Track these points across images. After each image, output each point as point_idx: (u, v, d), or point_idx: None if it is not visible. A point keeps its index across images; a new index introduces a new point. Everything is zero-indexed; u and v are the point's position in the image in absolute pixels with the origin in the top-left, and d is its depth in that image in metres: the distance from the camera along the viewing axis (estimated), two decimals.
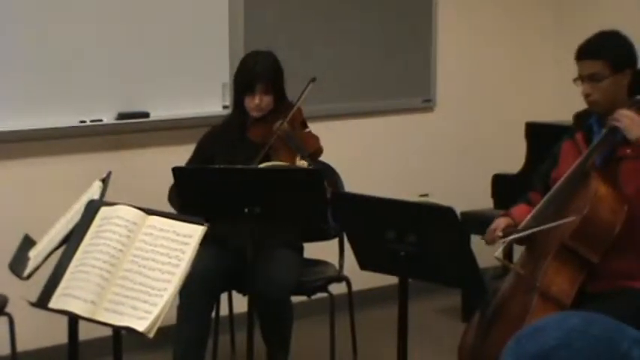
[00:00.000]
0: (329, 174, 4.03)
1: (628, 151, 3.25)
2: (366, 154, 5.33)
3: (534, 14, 5.87)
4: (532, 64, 5.89)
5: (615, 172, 3.27)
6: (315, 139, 3.98)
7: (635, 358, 1.05)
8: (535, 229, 3.24)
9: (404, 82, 5.43)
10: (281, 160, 3.86)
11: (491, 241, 3.33)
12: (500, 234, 3.30)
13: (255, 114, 3.95)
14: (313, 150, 3.91)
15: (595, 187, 3.22)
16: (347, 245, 3.36)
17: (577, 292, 3.22)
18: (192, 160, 4.02)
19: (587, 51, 3.34)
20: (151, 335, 2.38)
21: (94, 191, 2.95)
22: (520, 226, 3.32)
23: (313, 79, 4.00)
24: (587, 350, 1.04)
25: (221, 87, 4.75)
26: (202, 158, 3.99)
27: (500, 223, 3.38)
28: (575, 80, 3.35)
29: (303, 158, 3.81)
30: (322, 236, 4.25)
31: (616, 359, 1.04)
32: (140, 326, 2.38)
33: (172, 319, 3.70)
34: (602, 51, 3.32)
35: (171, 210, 3.66)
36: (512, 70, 5.84)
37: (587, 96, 3.33)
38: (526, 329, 1.09)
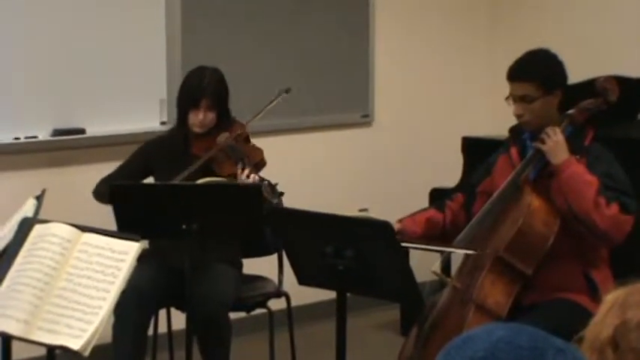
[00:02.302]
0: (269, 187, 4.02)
1: None
2: (305, 169, 5.34)
3: (470, 31, 5.94)
4: (468, 79, 5.96)
5: (548, 186, 3.32)
6: (259, 151, 3.99)
7: None
8: (419, 246, 3.36)
9: (342, 97, 5.45)
10: (224, 171, 3.86)
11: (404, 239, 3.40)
12: None
13: (198, 130, 3.94)
14: (256, 162, 3.90)
15: (528, 200, 3.27)
16: (286, 261, 3.37)
17: (512, 304, 3.27)
18: (121, 171, 3.98)
19: (518, 72, 3.38)
20: (86, 354, 2.36)
21: (27, 209, 2.92)
22: (456, 240, 3.38)
23: (286, 90, 4.02)
24: None
25: (159, 103, 4.73)
26: (136, 171, 3.95)
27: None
28: (507, 99, 3.40)
29: (245, 168, 3.79)
30: (261, 252, 4.24)
31: None
32: (75, 345, 2.36)
33: (109, 337, 3.66)
34: (533, 73, 3.36)
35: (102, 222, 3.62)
36: (449, 85, 5.90)
37: (519, 117, 3.39)
38: (455, 341, 1.11)
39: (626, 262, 3.40)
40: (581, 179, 3.21)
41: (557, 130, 3.30)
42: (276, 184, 3.73)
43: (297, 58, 5.23)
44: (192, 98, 3.90)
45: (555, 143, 3.27)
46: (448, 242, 3.43)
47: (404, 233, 3.43)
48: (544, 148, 3.28)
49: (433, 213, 3.57)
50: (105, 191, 3.82)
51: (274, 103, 4.00)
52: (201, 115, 3.89)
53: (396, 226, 3.43)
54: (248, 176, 3.74)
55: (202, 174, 3.82)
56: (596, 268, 3.36)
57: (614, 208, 3.19)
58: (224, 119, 3.96)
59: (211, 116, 3.91)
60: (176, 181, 3.75)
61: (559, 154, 3.26)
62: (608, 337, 1.35)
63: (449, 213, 3.55)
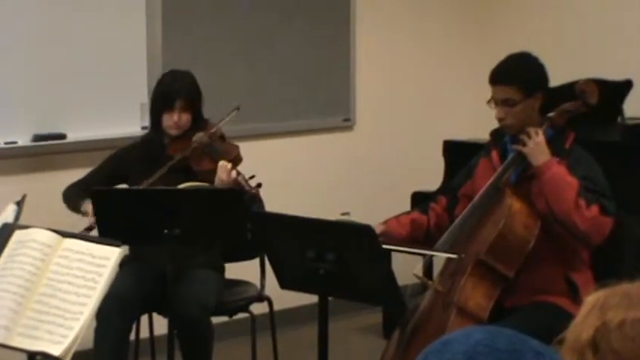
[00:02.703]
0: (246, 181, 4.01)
1: None
2: (287, 173, 5.33)
3: (452, 35, 5.96)
4: (449, 82, 5.97)
5: (529, 189, 3.34)
6: (236, 147, 4.00)
7: None
8: (402, 249, 3.36)
9: (323, 101, 5.45)
10: (202, 167, 3.86)
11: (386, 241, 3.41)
12: None
13: (173, 132, 3.94)
14: (233, 157, 3.91)
15: (509, 203, 3.28)
16: (268, 265, 3.37)
17: (494, 307, 3.27)
18: (93, 176, 3.96)
19: (500, 76, 3.40)
20: None
21: (7, 214, 2.90)
22: (437, 243, 3.39)
23: (237, 108, 4.02)
24: None
25: (139, 107, 4.71)
26: (108, 177, 3.93)
27: (376, 228, 3.45)
28: (488, 102, 3.42)
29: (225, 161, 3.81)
30: (243, 256, 4.24)
31: None
32: (56, 351, 2.35)
33: (90, 343, 3.65)
34: (514, 76, 3.38)
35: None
36: (430, 89, 5.91)
37: (500, 120, 3.40)
38: (433, 345, 1.11)
39: (607, 265, 3.42)
40: (562, 181, 3.23)
41: (539, 131, 3.32)
42: (253, 176, 3.74)
43: (278, 63, 5.23)
44: (166, 100, 3.91)
45: (536, 145, 3.28)
46: (431, 245, 3.44)
47: (388, 235, 3.43)
48: (525, 150, 3.30)
49: (417, 215, 3.58)
50: (73, 196, 3.83)
51: (226, 120, 4.00)
52: (175, 117, 3.89)
53: (380, 228, 3.44)
54: (229, 168, 3.74)
55: (181, 174, 3.81)
56: (577, 270, 3.38)
57: (594, 210, 3.20)
58: (198, 121, 3.96)
59: (186, 118, 3.92)
60: (153, 181, 3.74)
61: (540, 156, 3.27)
62: (588, 338, 1.36)
63: (433, 215, 3.56)
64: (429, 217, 3.56)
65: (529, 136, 3.29)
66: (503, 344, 1.08)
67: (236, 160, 3.92)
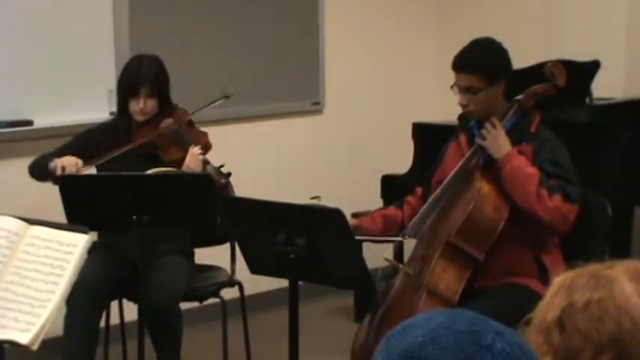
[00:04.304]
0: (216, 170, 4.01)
1: None
2: (256, 157, 5.32)
3: (420, 18, 5.96)
4: (419, 65, 5.97)
5: (497, 172, 3.35)
6: (205, 134, 3.98)
7: (498, 349, 1.07)
8: (368, 238, 3.43)
9: (293, 85, 5.44)
10: (170, 157, 3.85)
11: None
12: None
13: (139, 118, 3.91)
14: (202, 144, 3.89)
15: (478, 185, 3.29)
16: (239, 250, 3.36)
17: (464, 288, 3.29)
18: (64, 151, 3.89)
19: (463, 64, 3.39)
20: (35, 347, 2.33)
21: None
22: (406, 229, 3.40)
23: (227, 96, 4.00)
24: (453, 344, 1.07)
25: (107, 93, 4.67)
26: (78, 154, 3.87)
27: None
28: (452, 87, 3.42)
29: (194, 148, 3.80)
30: (213, 241, 4.22)
31: (480, 351, 1.07)
32: (23, 339, 2.33)
33: (59, 331, 3.63)
34: (476, 65, 3.37)
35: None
36: (399, 71, 5.91)
37: (463, 106, 3.41)
38: (396, 329, 1.12)
39: (577, 245, 3.44)
40: (522, 173, 3.24)
41: (497, 123, 3.33)
42: (222, 166, 3.73)
43: (246, 46, 5.21)
44: (131, 87, 3.88)
45: (494, 138, 3.30)
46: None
47: (360, 229, 3.43)
48: (484, 144, 3.32)
49: (391, 210, 3.58)
50: (39, 165, 3.78)
51: (215, 104, 3.99)
52: (141, 104, 3.87)
53: (352, 222, 3.44)
54: (199, 154, 3.73)
55: (148, 161, 3.79)
56: (548, 252, 3.40)
57: (556, 200, 3.22)
58: (165, 106, 3.94)
59: (152, 104, 3.89)
60: (111, 159, 3.71)
61: (499, 148, 3.29)
62: (554, 318, 1.37)
63: (407, 208, 3.56)
64: (404, 210, 3.56)
65: (487, 130, 3.31)
66: (464, 325, 1.09)
67: (205, 148, 3.90)
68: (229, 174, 3.74)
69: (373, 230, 3.48)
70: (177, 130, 3.89)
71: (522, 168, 3.25)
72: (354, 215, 4.17)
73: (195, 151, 3.79)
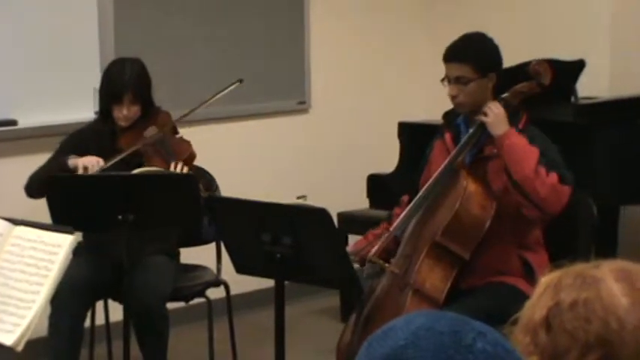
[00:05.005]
0: (204, 178, 4.01)
1: (495, 150, 3.35)
2: (242, 157, 5.31)
3: (407, 16, 5.95)
4: (405, 65, 5.97)
5: (484, 170, 3.35)
6: (187, 144, 3.96)
7: (479, 349, 1.07)
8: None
9: (278, 84, 5.43)
10: (155, 166, 3.83)
11: (360, 261, 3.39)
12: (356, 259, 3.37)
13: (123, 124, 3.89)
14: (186, 155, 3.88)
15: (464, 184, 3.29)
16: (224, 249, 3.35)
17: (450, 288, 3.29)
18: (52, 164, 3.89)
19: (454, 54, 3.41)
20: (19, 349, 2.32)
21: None
22: (392, 228, 3.39)
23: (240, 80, 4.02)
24: (434, 346, 1.06)
25: (92, 92, 4.63)
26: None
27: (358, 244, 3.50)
28: (442, 80, 3.42)
29: (176, 165, 3.79)
30: (199, 241, 4.21)
31: (461, 352, 1.06)
32: (7, 340, 2.32)
33: (44, 331, 3.61)
34: (468, 55, 3.39)
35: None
36: (385, 71, 5.91)
37: (453, 97, 3.41)
38: (376, 333, 1.11)
39: (562, 244, 3.45)
40: (523, 148, 3.25)
41: (498, 104, 3.34)
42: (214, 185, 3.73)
43: (231, 45, 5.20)
44: (114, 94, 3.84)
45: (496, 115, 3.30)
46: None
47: (359, 254, 3.41)
48: (487, 120, 3.31)
49: (384, 227, 3.54)
50: (35, 185, 3.76)
51: (227, 90, 4.01)
52: (125, 111, 3.84)
53: (349, 249, 3.44)
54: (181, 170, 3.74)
55: (132, 166, 3.77)
56: (533, 251, 3.40)
57: (553, 177, 3.23)
58: (148, 110, 3.92)
59: (135, 109, 3.87)
60: (106, 168, 3.70)
61: (500, 126, 3.29)
62: (541, 318, 1.36)
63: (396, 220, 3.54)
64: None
65: (489, 108, 3.31)
66: (445, 327, 1.08)
67: (189, 159, 3.89)
68: (216, 188, 3.74)
69: (370, 250, 3.47)
70: (161, 140, 3.87)
71: (523, 144, 3.26)
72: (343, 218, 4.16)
73: (177, 169, 3.77)
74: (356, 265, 3.27)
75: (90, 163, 3.68)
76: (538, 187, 3.20)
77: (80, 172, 3.66)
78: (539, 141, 3.34)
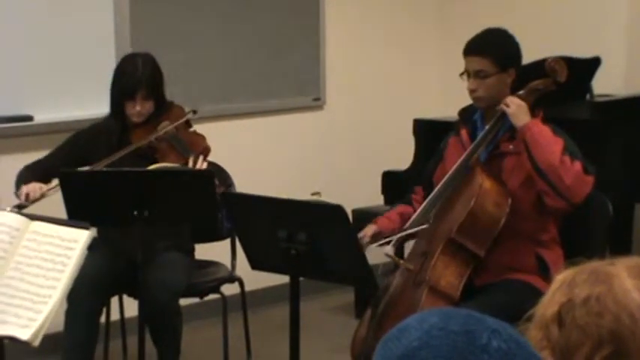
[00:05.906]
0: (220, 174, 4.02)
1: (510, 146, 3.35)
2: (257, 153, 5.32)
3: (421, 13, 5.95)
4: (420, 61, 5.97)
5: (499, 168, 3.35)
6: (202, 138, 3.96)
7: (494, 348, 1.06)
8: (398, 235, 3.35)
9: (293, 81, 5.44)
10: (170, 162, 3.83)
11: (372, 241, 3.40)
12: (368, 240, 3.38)
13: (136, 119, 3.89)
14: (201, 150, 3.88)
15: (480, 181, 3.29)
16: (239, 245, 3.36)
17: (465, 285, 3.28)
18: (50, 159, 3.90)
19: (475, 47, 3.41)
20: (36, 344, 2.33)
21: None
22: (406, 225, 3.39)
23: (194, 111, 3.97)
24: (447, 346, 1.06)
25: (108, 88, 4.66)
26: (67, 160, 3.87)
27: (368, 230, 3.45)
28: (461, 75, 3.42)
29: (196, 159, 3.79)
30: (214, 237, 4.22)
31: (476, 352, 1.06)
32: (24, 335, 2.33)
33: (60, 326, 3.63)
34: (489, 48, 3.39)
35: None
36: (400, 67, 5.90)
37: (472, 91, 3.40)
38: (391, 332, 1.11)
39: (577, 242, 3.44)
40: (548, 135, 3.25)
41: (518, 97, 3.34)
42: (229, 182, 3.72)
43: (247, 42, 5.20)
44: (127, 90, 3.84)
45: (518, 106, 3.30)
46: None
47: (381, 233, 3.42)
48: (509, 110, 3.30)
49: (403, 208, 3.57)
50: (21, 177, 3.78)
51: (178, 123, 3.92)
52: (138, 107, 3.84)
53: (372, 228, 3.44)
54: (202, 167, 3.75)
55: (146, 160, 3.78)
56: (548, 248, 3.39)
57: (577, 166, 3.22)
58: (161, 105, 3.92)
59: (148, 105, 3.87)
60: (113, 162, 3.70)
61: (522, 117, 3.29)
62: (553, 313, 1.37)
63: (417, 206, 3.55)
64: (414, 207, 3.55)
65: (511, 100, 3.31)
66: (458, 326, 1.07)
67: (204, 153, 3.89)
68: (230, 184, 3.73)
69: (393, 230, 3.46)
70: (175, 136, 3.86)
71: (548, 132, 3.25)
72: (358, 215, 4.14)
73: (200, 167, 3.78)
74: (371, 246, 3.27)
75: (32, 190, 3.69)
76: (563, 175, 3.19)
77: (22, 198, 3.66)
78: (559, 133, 3.33)
